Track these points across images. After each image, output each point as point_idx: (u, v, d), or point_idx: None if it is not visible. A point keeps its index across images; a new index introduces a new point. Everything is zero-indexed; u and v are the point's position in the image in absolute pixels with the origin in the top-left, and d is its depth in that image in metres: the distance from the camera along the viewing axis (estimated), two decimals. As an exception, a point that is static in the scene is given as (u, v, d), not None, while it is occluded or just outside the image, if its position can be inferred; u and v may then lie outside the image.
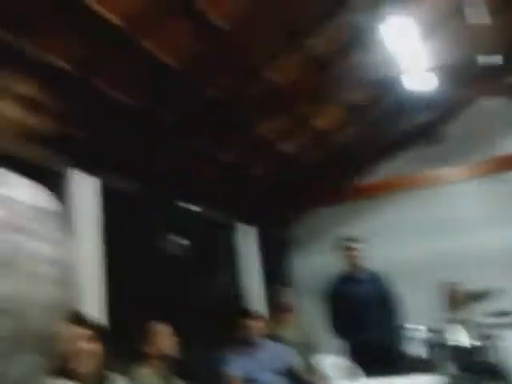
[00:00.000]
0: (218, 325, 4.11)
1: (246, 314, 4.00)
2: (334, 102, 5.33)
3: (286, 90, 4.70)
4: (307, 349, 4.51)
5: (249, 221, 6.59)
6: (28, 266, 0.56)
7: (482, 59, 4.75)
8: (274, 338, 4.28)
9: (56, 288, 0.59)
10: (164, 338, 3.01)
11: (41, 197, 0.61)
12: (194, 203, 5.49)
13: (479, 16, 4.13)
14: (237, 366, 3.65)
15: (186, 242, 5.29)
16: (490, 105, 6.21)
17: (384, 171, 7.02)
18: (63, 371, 2.14)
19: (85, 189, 4.10)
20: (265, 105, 4.84)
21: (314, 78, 4.89)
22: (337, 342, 4.66)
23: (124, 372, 2.78)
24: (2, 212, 0.54)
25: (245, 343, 3.80)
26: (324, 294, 4.80)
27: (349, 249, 4.74)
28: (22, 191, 0.60)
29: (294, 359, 4.03)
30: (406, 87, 5.19)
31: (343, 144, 6.30)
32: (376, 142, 6.61)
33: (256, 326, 3.90)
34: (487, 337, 4.26)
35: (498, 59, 4.75)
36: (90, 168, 4.14)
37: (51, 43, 3.20)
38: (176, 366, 3.07)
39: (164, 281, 4.76)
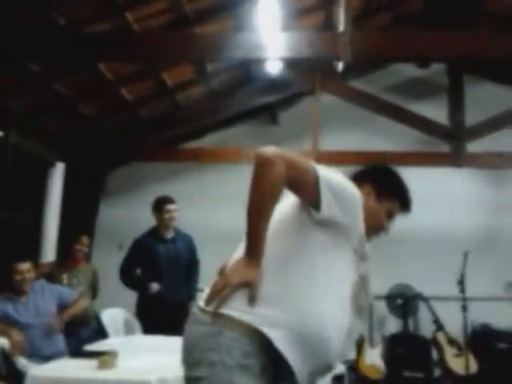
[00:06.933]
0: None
1: (16, 258, 4.00)
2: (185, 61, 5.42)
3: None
4: (89, 296, 4.81)
5: (67, 160, 6.16)
6: None
7: (329, 60, 5.22)
8: (54, 281, 4.46)
9: None
10: None
11: None
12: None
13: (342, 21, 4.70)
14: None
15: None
16: (326, 101, 6.33)
17: (216, 140, 7.05)
18: None
19: None
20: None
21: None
22: (127, 296, 4.74)
23: None
24: None
25: (14, 287, 3.91)
26: (131, 247, 4.78)
27: (165, 209, 4.68)
28: None
29: (69, 298, 4.21)
30: (256, 68, 6.06)
31: (186, 105, 6.52)
32: (216, 110, 6.70)
33: (22, 271, 3.92)
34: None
35: (340, 64, 5.57)
36: None
37: None
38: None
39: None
